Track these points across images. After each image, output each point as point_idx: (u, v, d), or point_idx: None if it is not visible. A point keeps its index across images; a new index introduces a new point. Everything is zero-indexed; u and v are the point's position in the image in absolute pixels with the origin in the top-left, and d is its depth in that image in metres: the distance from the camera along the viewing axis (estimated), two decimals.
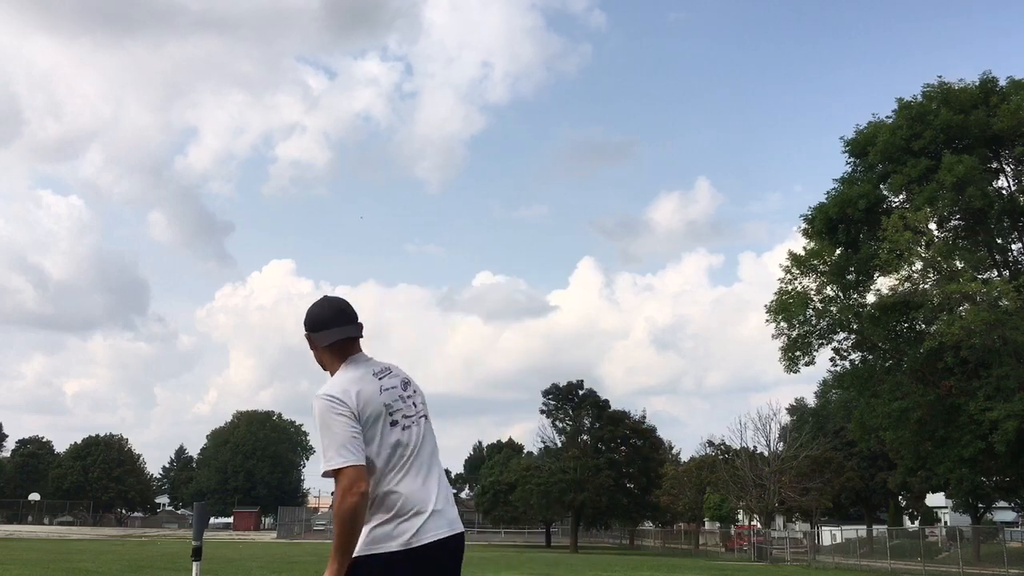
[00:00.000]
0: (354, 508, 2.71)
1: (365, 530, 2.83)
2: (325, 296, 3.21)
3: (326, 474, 2.77)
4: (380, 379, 3.01)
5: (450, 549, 2.92)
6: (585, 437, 64.07)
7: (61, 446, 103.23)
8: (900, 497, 58.43)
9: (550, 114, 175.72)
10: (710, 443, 58.31)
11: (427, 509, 2.87)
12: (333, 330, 3.08)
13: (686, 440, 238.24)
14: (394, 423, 2.93)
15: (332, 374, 3.08)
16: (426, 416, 3.10)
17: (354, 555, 2.82)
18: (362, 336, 3.14)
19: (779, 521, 62.76)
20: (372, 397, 2.92)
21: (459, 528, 2.98)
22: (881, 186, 33.14)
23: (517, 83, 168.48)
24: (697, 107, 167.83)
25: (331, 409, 2.84)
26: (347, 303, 3.18)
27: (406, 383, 3.10)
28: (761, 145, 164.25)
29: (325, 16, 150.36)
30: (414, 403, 3.07)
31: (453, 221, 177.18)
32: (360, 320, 3.15)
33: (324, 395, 2.88)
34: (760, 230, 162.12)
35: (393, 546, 2.80)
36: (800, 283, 34.06)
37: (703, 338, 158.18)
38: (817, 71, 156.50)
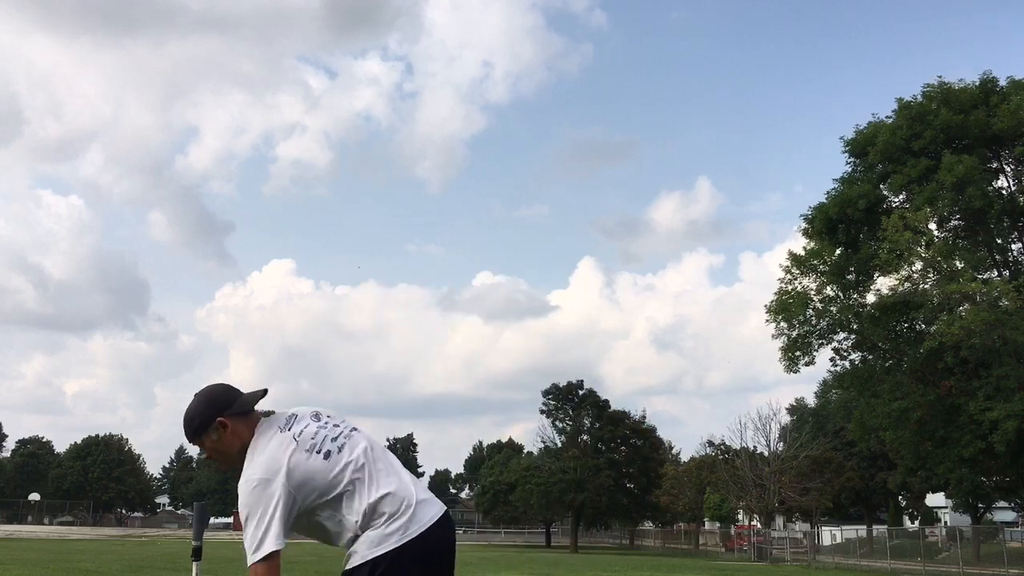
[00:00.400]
0: None
1: (361, 539, 2.83)
2: (198, 392, 3.06)
3: (257, 563, 2.70)
4: (290, 430, 2.92)
5: (445, 528, 2.94)
6: (585, 437, 64.10)
7: (61, 446, 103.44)
8: (900, 497, 58.44)
9: (551, 114, 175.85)
10: (710, 443, 58.38)
11: (412, 501, 2.87)
12: (245, 396, 3.01)
13: (686, 440, 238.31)
14: (328, 454, 2.87)
15: (244, 450, 2.94)
16: (355, 428, 3.04)
17: (354, 565, 2.82)
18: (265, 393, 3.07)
19: (779, 521, 62.77)
20: (298, 458, 2.84)
21: (444, 507, 3.00)
22: (881, 186, 33.15)
23: (518, 83, 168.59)
24: (698, 107, 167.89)
25: (260, 495, 2.76)
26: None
27: (316, 415, 3.02)
28: (761, 145, 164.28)
29: (326, 16, 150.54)
30: (334, 424, 3.00)
31: (453, 221, 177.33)
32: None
33: (250, 479, 2.80)
34: (761, 230, 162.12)
35: (392, 543, 2.80)
36: (800, 283, 34.08)
37: (703, 338, 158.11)
38: (817, 71, 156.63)
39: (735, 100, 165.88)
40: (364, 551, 2.82)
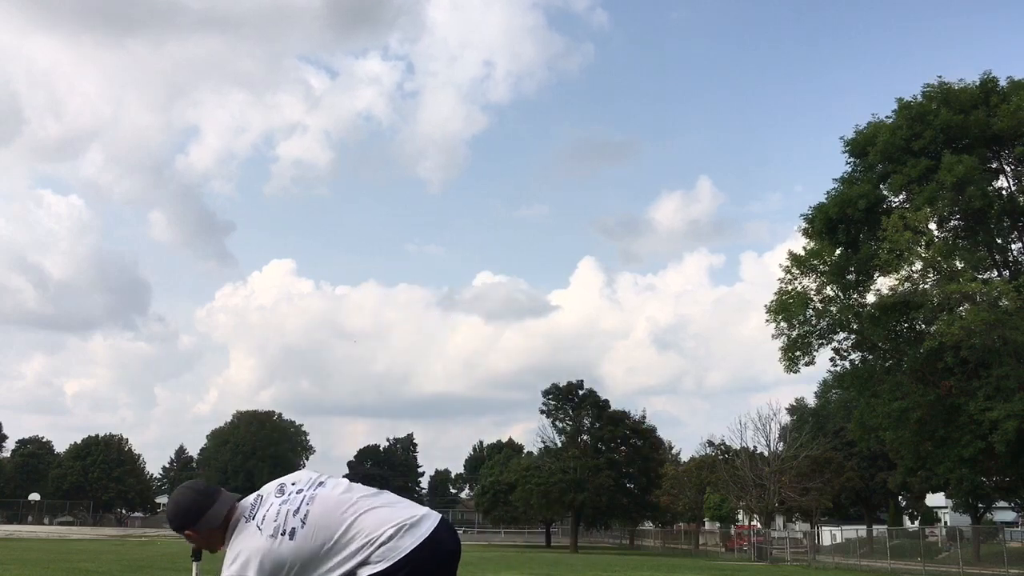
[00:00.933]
0: None
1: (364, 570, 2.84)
2: (178, 488, 3.14)
3: None
4: (254, 518, 2.94)
5: (441, 535, 2.92)
6: (585, 437, 64.08)
7: (61, 446, 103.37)
8: (900, 497, 58.45)
9: (552, 114, 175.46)
10: (710, 443, 58.38)
11: (400, 525, 2.88)
12: (215, 508, 3.02)
13: (686, 440, 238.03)
14: (293, 532, 2.87)
15: (222, 546, 3.01)
16: (320, 483, 3.03)
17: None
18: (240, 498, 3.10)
19: (779, 521, 62.78)
20: (262, 545, 2.87)
21: (439, 516, 3.00)
22: (881, 186, 33.15)
23: (519, 82, 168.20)
24: (698, 106, 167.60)
25: None
26: (198, 482, 3.18)
27: (280, 489, 3.04)
28: (762, 145, 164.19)
29: (327, 15, 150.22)
30: (297, 491, 3.00)
31: (454, 221, 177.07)
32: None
33: None
34: (762, 230, 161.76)
35: (387, 561, 2.82)
36: (800, 283, 34.07)
37: (704, 338, 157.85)
38: (817, 71, 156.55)
39: (736, 100, 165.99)
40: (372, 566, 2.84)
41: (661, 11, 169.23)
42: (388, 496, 3.06)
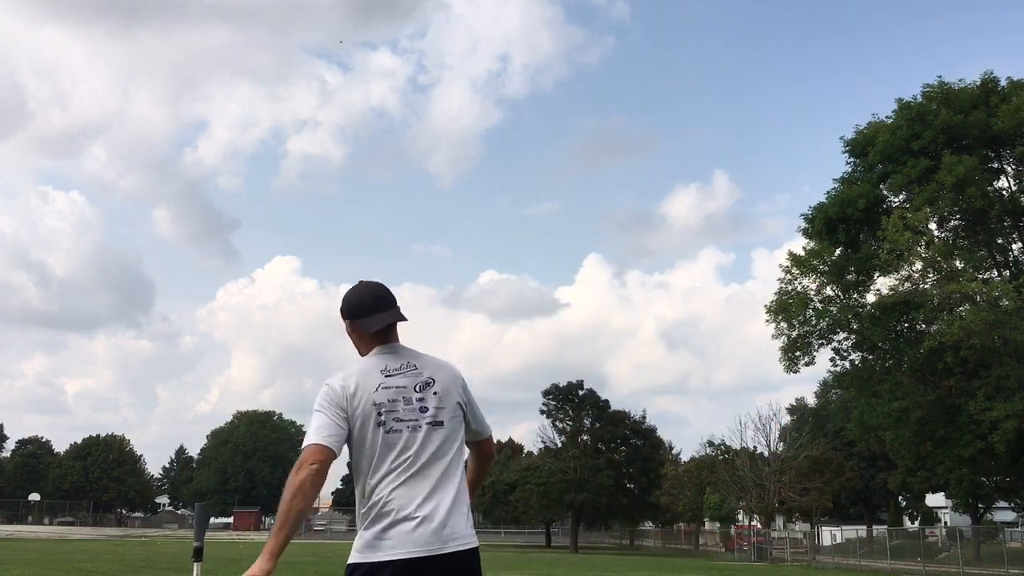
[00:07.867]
0: (299, 483, 2.59)
1: (358, 537, 2.75)
2: (362, 281, 3.12)
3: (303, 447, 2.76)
4: (387, 376, 2.84)
5: (446, 568, 2.69)
6: (585, 437, 64.08)
7: (61, 446, 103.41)
8: (900, 497, 58.47)
9: (568, 108, 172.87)
10: (710, 443, 58.41)
11: (418, 518, 2.68)
12: (373, 317, 2.98)
13: (692, 440, 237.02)
14: (380, 424, 2.75)
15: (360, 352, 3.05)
16: (441, 422, 2.84)
17: (348, 561, 2.72)
18: (404, 319, 3.00)
19: (779, 521, 62.79)
20: (365, 395, 2.78)
21: (459, 546, 2.73)
22: (881, 186, 33.21)
23: (536, 76, 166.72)
24: (716, 102, 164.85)
25: (321, 396, 2.81)
26: (385, 288, 3.07)
27: (426, 384, 2.87)
28: (778, 143, 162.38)
29: (341, 7, 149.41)
30: (424, 407, 2.83)
31: (463, 218, 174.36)
32: (398, 305, 3.04)
33: (325, 383, 2.87)
34: (777, 227, 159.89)
35: (378, 556, 2.65)
36: (800, 283, 34.13)
37: (713, 335, 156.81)
38: (820, 70, 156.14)
39: (753, 96, 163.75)
40: (356, 551, 2.72)
41: (683, 3, 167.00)
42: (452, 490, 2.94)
